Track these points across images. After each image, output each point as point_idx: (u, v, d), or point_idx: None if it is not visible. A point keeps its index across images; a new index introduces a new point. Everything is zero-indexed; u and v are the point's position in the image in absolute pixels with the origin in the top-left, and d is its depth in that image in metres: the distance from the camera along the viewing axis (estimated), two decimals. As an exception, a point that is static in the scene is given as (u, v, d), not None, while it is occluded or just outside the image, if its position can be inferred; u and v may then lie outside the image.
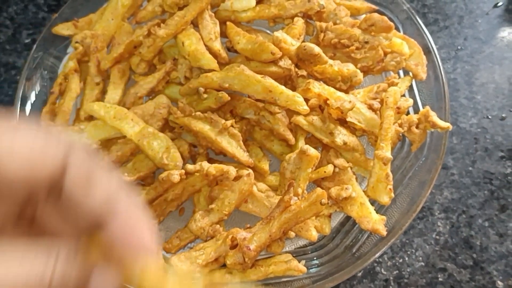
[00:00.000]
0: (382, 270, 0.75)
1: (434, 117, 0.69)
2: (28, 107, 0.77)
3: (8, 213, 0.32)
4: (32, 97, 0.78)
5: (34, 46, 0.81)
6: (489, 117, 0.87)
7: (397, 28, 0.80)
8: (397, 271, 0.75)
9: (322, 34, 0.75)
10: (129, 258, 0.30)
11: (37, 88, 0.79)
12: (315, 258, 0.69)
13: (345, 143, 0.68)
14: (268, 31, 0.82)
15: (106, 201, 0.31)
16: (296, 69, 0.73)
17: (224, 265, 0.63)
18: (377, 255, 0.64)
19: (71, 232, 0.32)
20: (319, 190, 0.60)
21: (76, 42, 0.79)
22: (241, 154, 0.67)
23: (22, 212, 0.32)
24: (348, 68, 0.72)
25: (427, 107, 0.70)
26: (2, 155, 0.28)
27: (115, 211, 0.31)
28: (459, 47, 0.94)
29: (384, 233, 0.63)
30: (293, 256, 0.66)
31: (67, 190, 0.30)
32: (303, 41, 0.75)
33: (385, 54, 0.75)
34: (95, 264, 0.30)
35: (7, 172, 0.29)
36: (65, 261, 0.28)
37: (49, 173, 0.30)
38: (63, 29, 0.82)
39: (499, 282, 0.74)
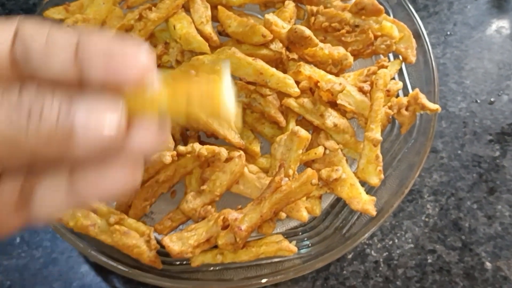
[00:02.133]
0: (372, 252, 0.76)
1: (423, 99, 0.69)
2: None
3: None
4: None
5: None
6: (478, 101, 0.88)
7: (387, 13, 0.81)
8: (386, 253, 0.76)
9: (313, 18, 0.76)
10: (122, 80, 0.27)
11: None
12: (305, 239, 0.69)
13: (335, 125, 0.69)
14: (260, 16, 0.82)
15: (73, 53, 0.27)
16: (287, 52, 0.74)
17: (215, 246, 0.64)
18: (367, 235, 0.65)
19: None
20: (309, 170, 0.61)
21: (68, 26, 0.79)
22: (232, 136, 0.68)
23: None
24: (339, 51, 0.73)
25: (417, 89, 0.70)
26: None
27: (85, 51, 0.27)
28: (448, 33, 0.95)
29: (374, 213, 0.64)
30: (284, 237, 0.66)
31: (23, 55, 0.27)
32: (294, 25, 0.76)
33: (375, 37, 0.76)
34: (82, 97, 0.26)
35: None
36: (33, 89, 0.26)
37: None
38: (54, 13, 0.82)
39: (488, 263, 0.75)
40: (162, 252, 0.65)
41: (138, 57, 0.27)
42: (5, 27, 0.27)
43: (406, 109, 0.71)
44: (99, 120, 0.26)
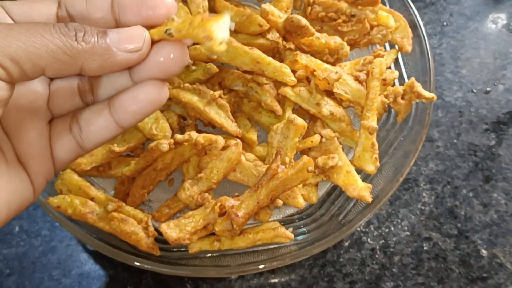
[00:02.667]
0: (369, 239, 0.77)
1: (419, 87, 0.70)
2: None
3: None
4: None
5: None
6: (474, 91, 0.88)
7: (383, 3, 0.81)
8: (383, 241, 0.77)
9: (309, 8, 0.76)
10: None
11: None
12: (302, 226, 0.70)
13: (331, 114, 0.69)
14: (256, 6, 0.83)
15: (109, 7, 0.37)
16: (284, 42, 0.74)
17: (213, 233, 0.64)
18: (363, 221, 0.65)
19: None
20: (305, 157, 0.61)
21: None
22: (229, 124, 0.68)
23: None
24: (335, 41, 0.73)
25: (412, 78, 0.71)
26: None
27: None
28: (444, 23, 0.96)
29: (370, 199, 0.65)
30: (281, 224, 0.67)
31: (70, 10, 0.38)
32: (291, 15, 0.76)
33: (372, 27, 0.76)
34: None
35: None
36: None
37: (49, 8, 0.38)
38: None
39: (483, 251, 0.76)
40: (160, 239, 0.65)
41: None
42: None
43: (402, 98, 0.72)
44: (128, 36, 0.35)
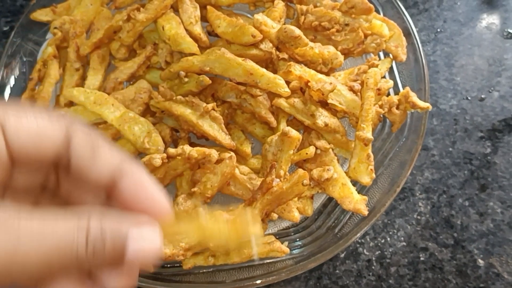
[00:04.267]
0: (365, 250, 0.76)
1: (414, 97, 0.69)
2: (7, 94, 0.76)
3: (29, 185, 0.36)
4: (11, 83, 0.77)
5: (12, 33, 0.80)
6: (469, 98, 0.88)
7: (377, 11, 0.81)
8: (379, 252, 0.76)
9: (303, 17, 0.76)
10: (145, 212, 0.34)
11: (16, 74, 0.78)
12: (298, 239, 0.69)
13: (326, 125, 0.68)
14: (249, 15, 0.82)
15: (112, 166, 0.34)
16: (277, 52, 0.73)
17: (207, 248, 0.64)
18: (359, 234, 0.65)
19: (92, 201, 0.36)
20: (300, 171, 0.60)
21: (55, 28, 0.78)
22: (223, 137, 0.68)
23: (43, 184, 0.37)
24: (329, 50, 0.73)
25: (407, 88, 0.70)
26: (11, 133, 0.32)
27: (123, 174, 0.34)
28: (438, 30, 0.95)
29: (366, 212, 0.64)
30: (276, 238, 0.66)
31: (74, 159, 0.34)
32: (284, 24, 0.75)
33: (365, 36, 0.76)
34: (129, 222, 0.32)
35: (17, 148, 0.33)
36: (98, 218, 0.31)
37: (55, 146, 0.34)
38: (41, 14, 0.81)
39: (480, 260, 0.75)
40: (154, 255, 0.64)
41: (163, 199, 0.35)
42: (58, 128, 0.34)
43: (397, 108, 0.71)
44: (149, 249, 0.32)
